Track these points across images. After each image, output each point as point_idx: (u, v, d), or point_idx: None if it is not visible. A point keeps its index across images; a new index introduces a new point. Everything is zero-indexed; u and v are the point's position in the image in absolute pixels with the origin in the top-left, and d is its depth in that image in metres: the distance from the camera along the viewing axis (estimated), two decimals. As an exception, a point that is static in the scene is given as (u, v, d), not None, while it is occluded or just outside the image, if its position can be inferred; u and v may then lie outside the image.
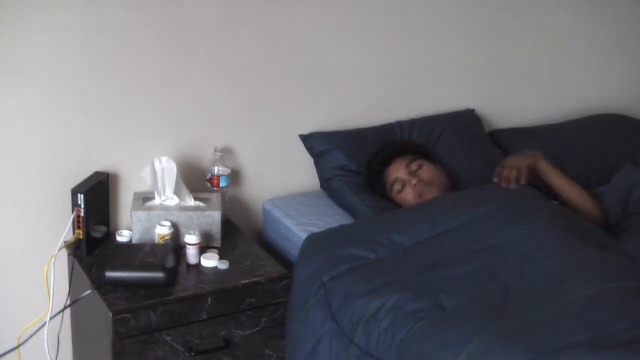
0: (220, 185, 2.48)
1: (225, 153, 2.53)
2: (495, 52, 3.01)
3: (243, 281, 2.18)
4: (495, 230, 2.13)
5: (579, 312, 1.79)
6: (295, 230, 2.46)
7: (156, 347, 2.08)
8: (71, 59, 2.28)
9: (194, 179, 2.50)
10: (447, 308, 1.89)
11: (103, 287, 2.09)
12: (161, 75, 2.41)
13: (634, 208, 2.49)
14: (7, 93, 2.23)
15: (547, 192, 2.47)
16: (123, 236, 2.36)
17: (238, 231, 2.48)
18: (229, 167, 2.51)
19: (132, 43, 2.34)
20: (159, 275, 2.09)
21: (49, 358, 2.28)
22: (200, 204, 2.35)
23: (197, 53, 2.45)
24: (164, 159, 2.33)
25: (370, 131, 2.73)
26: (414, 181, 2.48)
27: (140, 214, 2.28)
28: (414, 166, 2.52)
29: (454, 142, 2.78)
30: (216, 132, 2.54)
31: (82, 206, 2.22)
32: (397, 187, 2.52)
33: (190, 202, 2.35)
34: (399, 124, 2.79)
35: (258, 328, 2.20)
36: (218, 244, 2.33)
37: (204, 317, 2.13)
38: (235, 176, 2.60)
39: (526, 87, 3.11)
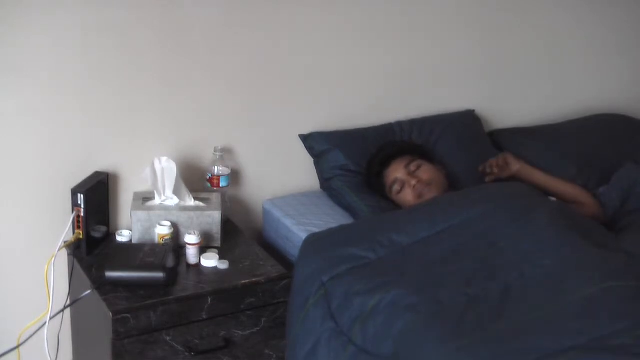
0: (220, 185, 2.48)
1: (225, 153, 2.53)
2: (495, 52, 3.01)
3: (243, 281, 2.18)
4: (495, 229, 2.13)
5: (579, 312, 1.79)
6: (295, 230, 2.46)
7: (156, 347, 2.08)
8: (71, 59, 2.28)
9: (194, 179, 2.50)
10: (445, 303, 1.89)
11: (103, 287, 2.09)
12: (161, 75, 2.41)
13: (634, 205, 2.49)
14: (7, 93, 2.23)
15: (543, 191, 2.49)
16: (123, 236, 2.36)
17: (238, 231, 2.49)
18: (229, 167, 2.51)
19: (132, 43, 2.34)
20: (159, 275, 2.09)
21: (49, 358, 2.28)
22: (200, 204, 2.35)
23: (197, 53, 2.45)
24: (164, 159, 2.33)
25: (370, 131, 2.73)
26: (413, 182, 2.48)
27: (140, 214, 2.28)
28: (413, 167, 2.52)
29: (454, 142, 2.78)
30: (216, 132, 2.54)
31: (82, 206, 2.22)
32: (396, 187, 2.52)
33: (190, 202, 2.35)
34: (399, 124, 2.79)
35: (258, 328, 2.20)
36: (218, 244, 2.33)
37: (204, 317, 2.13)
38: (235, 176, 2.60)
39: (526, 87, 3.11)
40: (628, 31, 3.29)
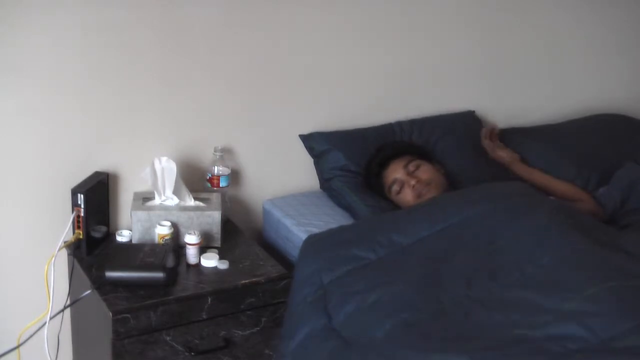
0: (220, 185, 2.48)
1: (225, 153, 2.53)
2: (495, 52, 3.01)
3: (243, 281, 2.18)
4: (495, 229, 2.12)
5: (582, 313, 1.78)
6: (295, 230, 2.46)
7: (156, 347, 2.08)
8: (71, 59, 2.28)
9: (194, 179, 2.50)
10: (445, 303, 1.89)
11: (103, 287, 2.09)
12: (161, 75, 2.41)
13: (635, 204, 2.49)
14: (7, 93, 2.23)
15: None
16: (123, 236, 2.36)
17: (238, 231, 2.49)
18: (229, 167, 2.51)
19: (132, 43, 2.34)
20: (159, 275, 2.09)
21: (49, 358, 2.28)
22: (200, 204, 2.35)
23: (197, 53, 2.45)
24: (164, 159, 2.33)
25: (370, 131, 2.73)
26: (412, 182, 2.48)
27: (140, 214, 2.28)
28: (411, 167, 2.52)
29: (454, 143, 2.78)
30: (216, 132, 2.54)
31: (82, 206, 2.22)
32: (395, 188, 2.52)
33: (190, 202, 2.35)
34: (399, 124, 2.79)
35: (258, 328, 2.20)
36: (218, 244, 2.33)
37: (204, 317, 2.13)
38: (235, 176, 2.60)
39: (526, 87, 3.11)
40: (628, 31, 3.29)
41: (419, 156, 2.58)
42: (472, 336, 1.78)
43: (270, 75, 2.59)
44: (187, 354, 2.12)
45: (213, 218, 2.31)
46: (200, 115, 2.51)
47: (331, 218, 2.52)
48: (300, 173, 2.73)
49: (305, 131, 2.68)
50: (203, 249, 2.28)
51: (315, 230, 2.38)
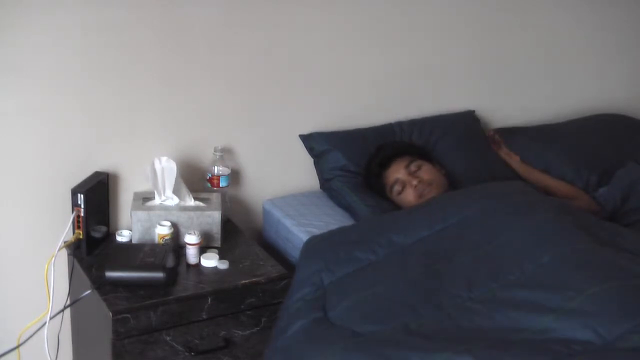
0: (220, 185, 2.48)
1: (225, 153, 2.53)
2: (495, 52, 3.01)
3: (243, 281, 2.18)
4: (495, 228, 2.12)
5: (584, 313, 1.78)
6: (295, 231, 2.46)
7: (156, 347, 2.08)
8: (71, 59, 2.28)
9: (194, 179, 2.50)
10: (445, 304, 1.89)
11: (103, 287, 2.09)
12: (161, 75, 2.41)
13: (635, 204, 2.49)
14: (7, 93, 2.23)
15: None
16: (123, 236, 2.36)
17: (238, 231, 2.49)
18: (229, 167, 2.51)
19: (132, 43, 2.34)
20: (159, 275, 2.09)
21: (49, 358, 2.28)
22: (200, 204, 2.35)
23: (197, 53, 2.45)
24: (164, 159, 2.33)
25: (370, 131, 2.73)
26: (414, 182, 2.48)
27: (140, 214, 2.28)
28: (413, 167, 2.52)
29: (454, 143, 2.78)
30: (216, 132, 2.54)
31: (82, 206, 2.22)
32: (397, 188, 2.52)
33: (190, 202, 2.35)
34: (399, 124, 2.79)
35: (258, 328, 2.20)
36: (218, 244, 2.33)
37: (204, 317, 2.13)
38: (235, 176, 2.60)
39: (526, 87, 3.11)
40: (628, 31, 3.29)
41: (419, 156, 2.58)
42: (474, 336, 1.78)
43: (270, 75, 2.59)
44: (187, 354, 2.12)
45: (213, 218, 2.31)
46: (200, 115, 2.51)
47: (331, 218, 2.52)
48: (300, 173, 2.73)
49: (305, 131, 2.68)
50: (203, 249, 2.28)
51: (315, 231, 2.38)
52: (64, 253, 2.33)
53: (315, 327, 1.94)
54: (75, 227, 2.25)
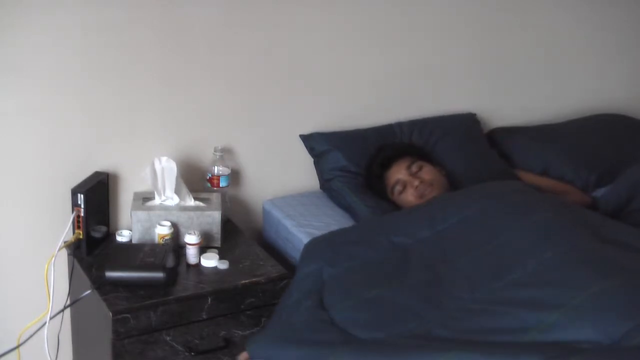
0: (220, 185, 2.48)
1: (225, 153, 2.53)
2: (495, 52, 3.01)
3: (243, 281, 2.18)
4: (495, 227, 2.11)
5: (585, 313, 1.77)
6: (295, 231, 2.45)
7: (156, 347, 2.08)
8: (71, 59, 2.28)
9: (194, 179, 2.50)
10: (445, 304, 1.89)
11: (103, 287, 2.09)
12: (161, 75, 2.42)
13: (638, 204, 2.49)
14: (7, 93, 2.24)
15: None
16: (123, 236, 2.36)
17: (238, 231, 2.49)
18: (229, 167, 2.51)
19: (132, 43, 2.34)
20: (159, 275, 2.09)
21: (49, 358, 2.28)
22: (200, 204, 2.35)
23: (197, 53, 2.45)
24: (164, 159, 2.33)
25: (370, 132, 2.73)
26: (415, 182, 2.48)
27: (140, 214, 2.28)
28: (414, 168, 2.52)
29: (454, 144, 2.78)
30: (216, 132, 2.54)
31: (82, 206, 2.23)
32: (398, 188, 2.52)
33: (190, 202, 2.35)
34: (399, 125, 2.79)
35: (258, 328, 2.20)
36: (218, 244, 2.33)
37: (204, 317, 2.13)
38: (235, 176, 2.60)
39: (526, 87, 3.11)
40: (628, 31, 3.29)
41: (420, 157, 2.58)
42: (478, 336, 1.78)
43: (270, 75, 2.59)
44: (187, 354, 2.12)
45: (213, 218, 2.31)
46: (200, 115, 2.51)
47: (331, 219, 2.52)
48: (300, 173, 2.73)
49: (306, 131, 2.68)
50: (203, 249, 2.28)
51: (316, 232, 2.38)
52: (64, 253, 2.33)
53: (315, 322, 1.94)
54: (75, 227, 2.25)
